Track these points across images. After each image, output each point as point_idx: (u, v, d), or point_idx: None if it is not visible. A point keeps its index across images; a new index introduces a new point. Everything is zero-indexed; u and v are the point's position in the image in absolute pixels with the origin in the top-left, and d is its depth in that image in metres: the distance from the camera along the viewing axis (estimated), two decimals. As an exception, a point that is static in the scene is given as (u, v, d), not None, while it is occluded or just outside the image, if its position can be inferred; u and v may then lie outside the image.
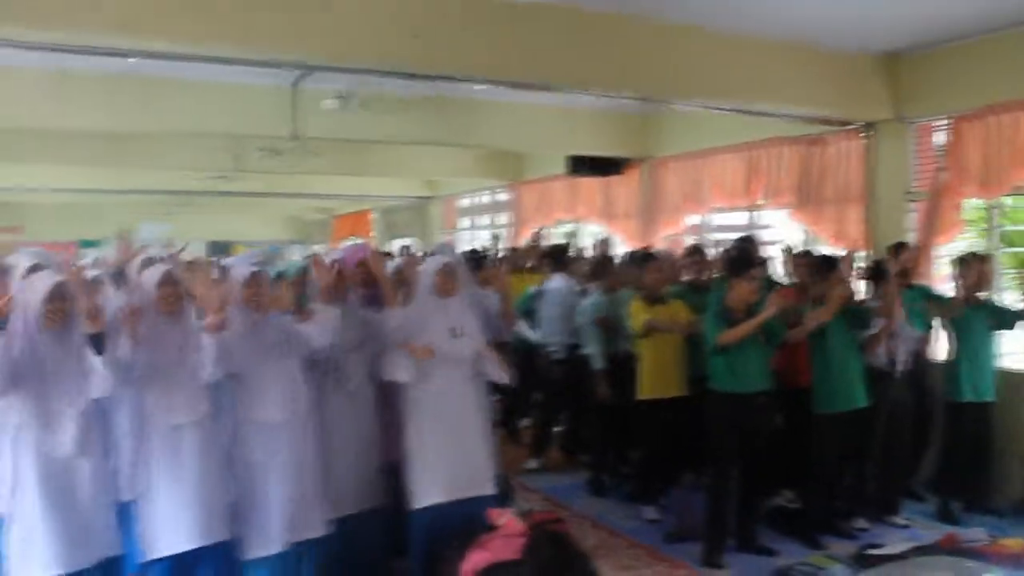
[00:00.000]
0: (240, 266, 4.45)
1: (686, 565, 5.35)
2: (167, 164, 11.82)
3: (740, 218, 9.62)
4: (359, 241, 15.51)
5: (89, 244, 19.89)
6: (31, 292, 3.75)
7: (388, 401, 4.83)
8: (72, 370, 3.76)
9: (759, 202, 8.98)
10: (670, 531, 5.82)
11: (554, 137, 10.02)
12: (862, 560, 5.25)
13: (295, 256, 12.41)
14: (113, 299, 4.37)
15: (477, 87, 7.47)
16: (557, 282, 7.32)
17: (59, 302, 3.72)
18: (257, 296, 4.20)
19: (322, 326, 4.34)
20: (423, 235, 16.24)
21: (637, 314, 5.93)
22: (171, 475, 3.97)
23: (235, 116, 8.30)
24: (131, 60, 6.55)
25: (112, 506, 3.98)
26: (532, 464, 7.29)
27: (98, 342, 3.72)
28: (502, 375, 4.89)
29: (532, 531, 4.43)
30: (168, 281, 4.03)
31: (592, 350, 6.50)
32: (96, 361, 3.72)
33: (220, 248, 19.97)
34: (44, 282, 3.74)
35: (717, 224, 10.01)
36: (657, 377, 6.02)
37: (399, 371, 4.63)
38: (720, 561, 5.35)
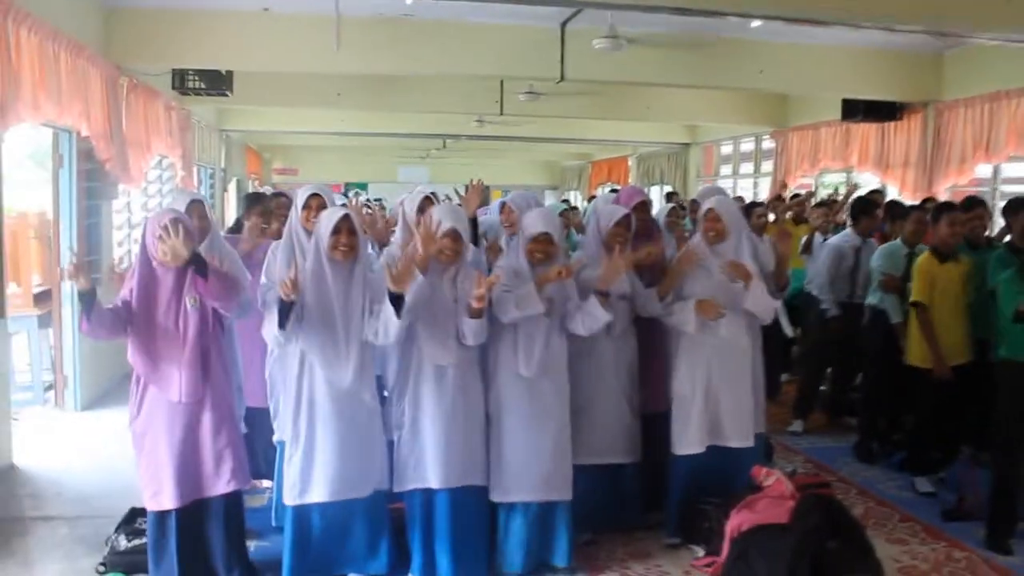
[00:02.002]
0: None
1: (968, 547, 4.87)
2: (431, 108, 12.16)
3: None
4: (617, 186, 15.43)
5: (355, 187, 21.05)
6: (321, 226, 3.86)
7: (653, 351, 4.71)
8: (355, 304, 3.85)
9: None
10: (949, 508, 5.35)
11: (829, 79, 9.44)
12: None
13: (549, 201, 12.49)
14: None
15: (754, 24, 7.07)
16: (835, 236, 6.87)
17: (345, 235, 3.79)
18: (545, 251, 4.13)
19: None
20: (681, 182, 15.90)
21: (926, 270, 5.43)
22: (431, 415, 3.99)
23: (504, 58, 8.35)
24: (408, 2, 6.70)
25: (384, 440, 4.08)
26: (795, 427, 6.95)
27: (397, 302, 3.70)
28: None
29: (801, 495, 4.18)
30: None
31: (884, 302, 6.03)
32: (390, 313, 3.71)
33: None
34: (331, 216, 3.83)
35: (1008, 176, 9.14)
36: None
37: (686, 324, 4.49)
38: (1008, 546, 4.83)
